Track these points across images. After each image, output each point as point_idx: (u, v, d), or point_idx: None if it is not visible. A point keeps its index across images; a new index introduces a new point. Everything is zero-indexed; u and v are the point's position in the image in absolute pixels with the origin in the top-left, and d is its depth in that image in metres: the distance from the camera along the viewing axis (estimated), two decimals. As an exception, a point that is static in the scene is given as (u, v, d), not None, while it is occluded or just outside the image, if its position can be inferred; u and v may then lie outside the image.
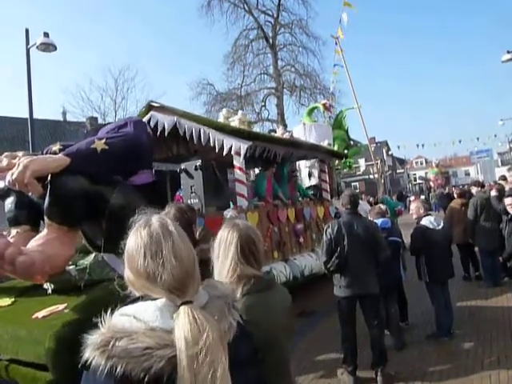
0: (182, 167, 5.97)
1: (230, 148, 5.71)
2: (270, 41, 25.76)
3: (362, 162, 55.45)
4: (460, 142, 35.46)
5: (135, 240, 1.07)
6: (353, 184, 46.69)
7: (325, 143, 9.48)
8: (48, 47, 10.48)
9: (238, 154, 5.74)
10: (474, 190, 8.11)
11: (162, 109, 6.17)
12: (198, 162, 5.79)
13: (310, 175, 9.95)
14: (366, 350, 3.93)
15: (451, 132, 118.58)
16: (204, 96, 26.22)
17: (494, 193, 7.00)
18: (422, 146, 35.24)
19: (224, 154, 5.77)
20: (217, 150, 5.80)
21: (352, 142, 14.36)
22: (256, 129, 19.73)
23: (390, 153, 52.21)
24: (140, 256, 1.04)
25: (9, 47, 54.45)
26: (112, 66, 41.96)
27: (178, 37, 72.40)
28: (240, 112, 7.15)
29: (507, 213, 5.62)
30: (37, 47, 10.44)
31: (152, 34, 77.20)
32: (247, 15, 25.96)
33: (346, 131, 13.53)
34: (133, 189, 2.57)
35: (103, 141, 2.51)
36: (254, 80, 26.13)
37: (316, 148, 8.45)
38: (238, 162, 5.88)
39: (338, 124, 13.56)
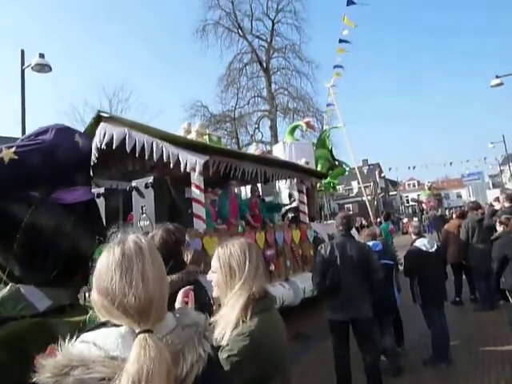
0: (133, 185, 5.37)
1: (186, 163, 5.09)
2: (264, 64, 26.28)
3: (354, 184, 55.83)
4: (451, 164, 36.02)
5: (106, 257, 1.00)
6: (346, 206, 46.90)
7: (301, 162, 8.96)
8: (43, 68, 10.52)
9: (195, 169, 5.16)
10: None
11: (112, 119, 5.53)
12: (150, 179, 5.21)
13: (290, 196, 9.58)
14: (361, 374, 3.80)
15: (442, 154, 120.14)
16: (198, 118, 26.44)
17: (487, 212, 7.05)
18: (414, 167, 35.60)
19: (182, 170, 5.17)
20: (171, 166, 5.17)
21: (337, 163, 14.05)
22: (250, 150, 19.78)
23: (382, 175, 52.68)
24: (108, 274, 0.97)
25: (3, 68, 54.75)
26: (106, 86, 42.18)
27: (172, 58, 73.65)
28: (197, 123, 6.47)
29: (495, 229, 5.61)
30: (32, 68, 10.49)
31: (147, 54, 78.34)
32: (241, 39, 26.62)
33: (330, 151, 13.24)
34: (58, 207, 2.21)
35: (12, 149, 2.16)
36: (248, 102, 26.50)
37: (292, 166, 7.95)
38: (195, 178, 5.32)
39: (321, 143, 13.28)
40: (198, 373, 0.96)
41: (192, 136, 5.94)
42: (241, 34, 26.48)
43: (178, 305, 1.60)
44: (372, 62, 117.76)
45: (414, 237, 4.93)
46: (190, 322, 1.06)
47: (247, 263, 1.57)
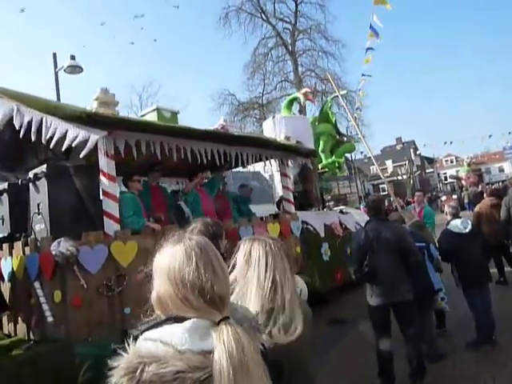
0: (29, 176, 4.15)
1: (85, 141, 3.91)
2: (289, 47, 25.86)
3: (389, 163, 54.45)
4: (490, 136, 34.30)
5: (185, 250, 1.06)
6: (381, 186, 45.86)
7: (281, 137, 7.35)
8: (75, 69, 10.87)
9: (101, 151, 4.07)
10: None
11: (3, 94, 4.34)
12: (43, 168, 4.04)
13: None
14: (403, 359, 3.78)
15: (480, 128, 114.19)
16: (226, 106, 26.52)
17: None
18: (451, 143, 34.16)
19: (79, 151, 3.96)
20: (63, 147, 4.03)
21: (345, 138, 12.13)
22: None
23: (417, 152, 51.03)
24: (191, 265, 1.03)
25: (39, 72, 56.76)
26: (136, 83, 43.04)
27: (197, 50, 73.88)
28: (100, 88, 4.51)
29: None
30: (64, 70, 10.86)
31: (173, 47, 78.88)
32: (265, 24, 26.30)
33: (334, 124, 11.37)
34: None
35: None
36: (275, 88, 26.30)
37: (264, 144, 6.41)
38: (103, 163, 4.13)
39: (324, 117, 11.28)
40: None
41: (95, 106, 4.35)
42: (264, 18, 26.16)
43: None
44: (406, 36, 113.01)
45: (449, 217, 4.75)
46: (240, 316, 1.10)
47: (277, 260, 1.54)
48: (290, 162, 7.03)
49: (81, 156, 3.99)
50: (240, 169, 8.81)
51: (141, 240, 4.25)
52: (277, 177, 8.46)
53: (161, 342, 0.94)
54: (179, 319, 1.00)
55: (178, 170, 6.82)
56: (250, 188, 7.75)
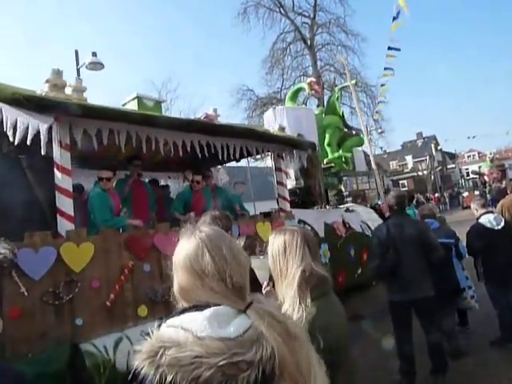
0: None
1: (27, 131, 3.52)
2: (308, 42, 25.63)
3: (409, 158, 53.53)
4: (515, 131, 33.35)
5: (197, 242, 1.11)
6: (400, 182, 45.22)
7: (275, 127, 6.74)
8: (96, 66, 11.05)
9: (55, 141, 3.65)
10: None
11: None
12: None
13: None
14: (424, 355, 3.73)
15: (504, 122, 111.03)
16: (245, 102, 26.50)
17: None
18: (473, 137, 33.48)
19: (29, 141, 3.55)
20: (16, 138, 3.61)
21: (354, 132, 11.53)
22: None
23: (439, 147, 50.02)
24: (206, 256, 1.08)
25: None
26: (156, 79, 43.37)
27: (217, 44, 73.99)
28: (52, 69, 3.84)
29: None
30: (86, 67, 11.05)
31: (193, 43, 79.22)
32: (283, 18, 26.07)
33: (342, 117, 10.85)
34: None
35: None
36: (294, 82, 26.01)
37: (255, 135, 5.71)
38: (57, 156, 3.73)
39: (331, 108, 10.75)
40: None
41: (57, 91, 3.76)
42: (282, 12, 25.94)
43: None
44: (427, 33, 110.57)
45: (478, 212, 4.61)
46: (265, 303, 1.12)
47: (302, 249, 1.59)
48: (287, 156, 6.46)
49: (42, 148, 3.54)
50: (257, 163, 8.53)
51: (99, 241, 3.80)
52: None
53: (181, 328, 0.97)
54: (201, 307, 1.03)
55: (169, 165, 6.53)
56: (242, 183, 7.26)
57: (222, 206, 6.00)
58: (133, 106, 5.09)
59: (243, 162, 7.46)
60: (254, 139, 5.65)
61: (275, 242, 1.66)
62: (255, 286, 1.52)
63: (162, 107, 5.62)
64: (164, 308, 3.96)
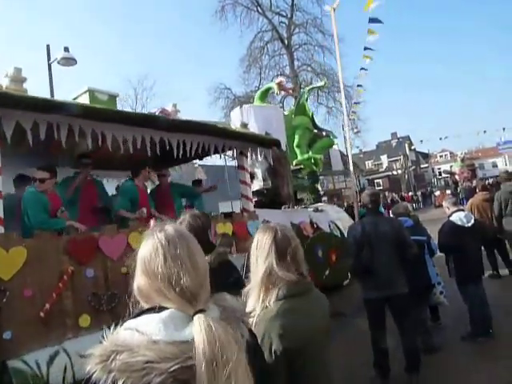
0: None
1: None
2: (286, 41, 25.79)
3: (384, 158, 54.62)
4: (485, 132, 34.69)
5: (153, 243, 1.08)
6: (376, 181, 46.05)
7: (237, 124, 6.48)
8: (68, 61, 10.73)
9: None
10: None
11: None
12: None
13: (251, 177, 7.32)
14: (398, 351, 3.79)
15: (476, 123, 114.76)
16: (222, 100, 26.42)
17: None
18: (445, 138, 34.56)
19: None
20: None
21: (324, 133, 11.56)
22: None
23: (412, 147, 51.23)
24: (159, 258, 1.04)
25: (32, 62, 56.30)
26: (132, 77, 42.67)
27: (193, 44, 73.29)
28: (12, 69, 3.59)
29: None
30: (58, 62, 10.72)
31: (169, 42, 78.29)
32: (261, 17, 26.18)
33: (311, 118, 10.84)
34: None
35: None
36: (271, 81, 26.15)
37: (214, 131, 5.31)
38: None
39: (301, 109, 10.68)
40: None
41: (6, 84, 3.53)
42: (260, 11, 26.02)
43: None
44: (402, 26, 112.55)
45: (450, 210, 4.72)
46: (227, 305, 1.10)
47: (267, 250, 1.59)
48: (252, 154, 6.18)
49: None
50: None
51: (33, 245, 3.43)
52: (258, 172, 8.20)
53: (137, 331, 0.95)
54: (159, 309, 1.01)
55: (128, 164, 5.75)
56: (200, 181, 7.07)
57: (177, 204, 5.83)
58: (84, 100, 4.64)
59: (221, 161, 7.24)
60: (213, 135, 5.28)
61: (255, 237, 1.67)
62: None
63: (116, 101, 5.16)
64: (110, 317, 3.63)
